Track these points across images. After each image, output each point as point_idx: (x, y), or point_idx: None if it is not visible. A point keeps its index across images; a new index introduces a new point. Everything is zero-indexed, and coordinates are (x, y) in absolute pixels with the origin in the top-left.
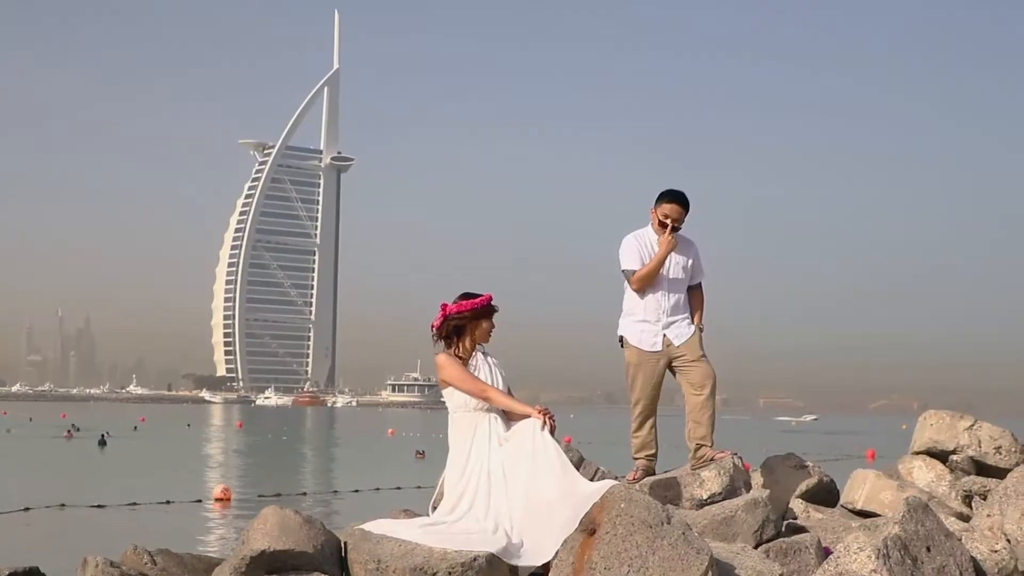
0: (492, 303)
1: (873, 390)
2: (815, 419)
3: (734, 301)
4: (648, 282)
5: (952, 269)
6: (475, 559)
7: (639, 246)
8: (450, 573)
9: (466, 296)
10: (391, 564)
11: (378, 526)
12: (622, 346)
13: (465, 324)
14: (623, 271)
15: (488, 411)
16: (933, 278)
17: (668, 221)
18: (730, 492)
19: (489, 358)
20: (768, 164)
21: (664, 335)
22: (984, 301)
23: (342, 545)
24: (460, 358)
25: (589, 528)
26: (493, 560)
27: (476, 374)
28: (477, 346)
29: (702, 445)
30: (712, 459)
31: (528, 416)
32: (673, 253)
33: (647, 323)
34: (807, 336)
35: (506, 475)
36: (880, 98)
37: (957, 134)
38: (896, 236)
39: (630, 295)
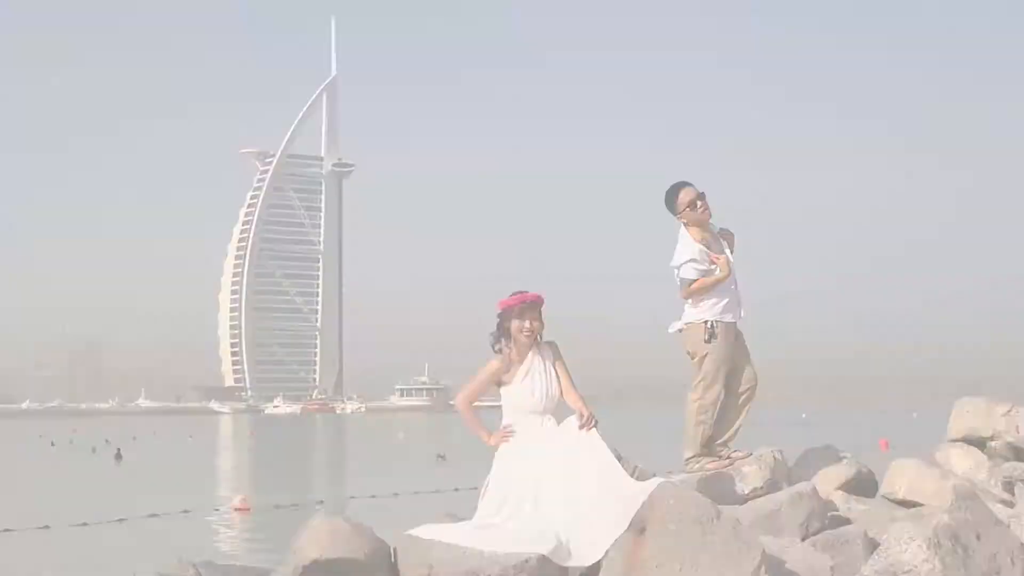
0: (521, 304)
1: (875, 381)
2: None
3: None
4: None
5: (927, 247)
6: (526, 561)
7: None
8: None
9: (517, 295)
10: (443, 569)
11: (427, 531)
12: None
13: (506, 324)
14: None
15: (541, 413)
16: (908, 257)
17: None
18: (771, 486)
19: (548, 362)
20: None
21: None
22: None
23: (391, 551)
24: (513, 360)
25: (639, 526)
26: (544, 561)
27: (530, 378)
28: (536, 346)
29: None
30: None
31: (480, 437)
32: None
33: None
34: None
35: (551, 474)
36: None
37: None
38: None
39: None
